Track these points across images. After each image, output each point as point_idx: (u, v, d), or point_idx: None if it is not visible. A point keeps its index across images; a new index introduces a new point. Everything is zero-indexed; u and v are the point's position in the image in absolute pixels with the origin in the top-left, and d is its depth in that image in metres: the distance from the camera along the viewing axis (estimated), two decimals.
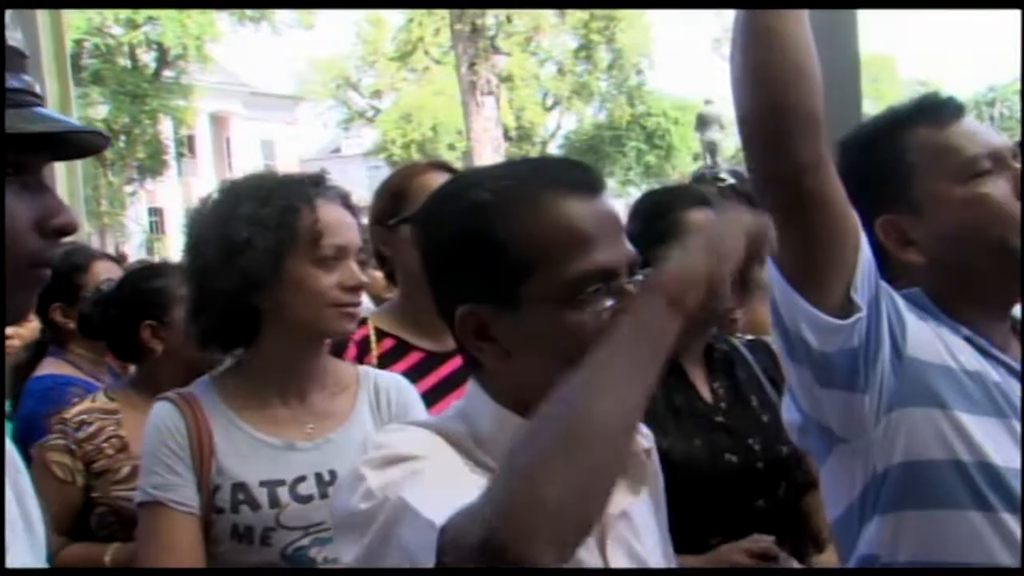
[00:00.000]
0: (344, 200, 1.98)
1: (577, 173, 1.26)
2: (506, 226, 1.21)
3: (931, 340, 1.57)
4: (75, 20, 25.64)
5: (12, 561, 1.06)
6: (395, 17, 36.33)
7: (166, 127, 32.92)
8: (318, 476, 1.89)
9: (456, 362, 2.24)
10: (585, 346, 1.18)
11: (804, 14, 1.47)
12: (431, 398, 2.17)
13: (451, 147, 34.81)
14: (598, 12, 34.49)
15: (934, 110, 1.68)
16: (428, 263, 1.30)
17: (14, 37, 1.06)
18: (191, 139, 39.18)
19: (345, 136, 46.18)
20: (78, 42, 27.05)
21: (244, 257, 1.85)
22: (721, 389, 2.30)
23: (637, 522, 1.32)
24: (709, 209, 2.32)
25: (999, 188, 1.60)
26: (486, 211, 1.22)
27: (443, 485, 1.10)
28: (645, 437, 1.41)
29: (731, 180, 3.63)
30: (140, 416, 2.33)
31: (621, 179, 36.17)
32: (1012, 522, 1.50)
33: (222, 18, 31.74)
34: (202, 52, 31.61)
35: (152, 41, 31.34)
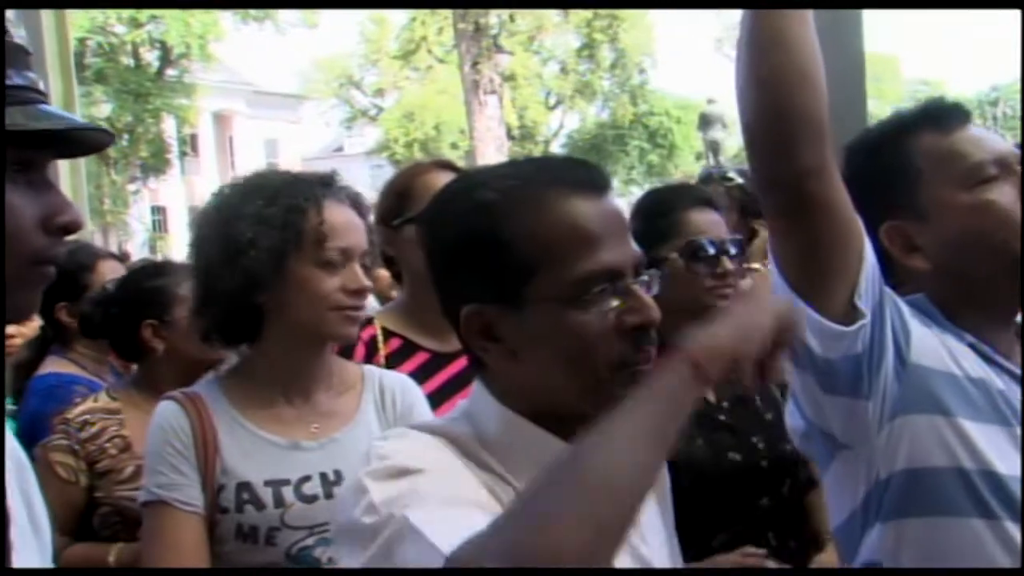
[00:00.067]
0: (354, 201, 1.97)
1: (582, 172, 1.26)
2: (511, 226, 1.20)
3: (935, 347, 1.57)
4: (78, 19, 25.63)
5: (19, 561, 1.06)
6: (398, 16, 36.41)
7: (169, 126, 32.96)
8: (323, 476, 1.89)
9: (462, 362, 2.24)
10: (589, 347, 1.18)
11: (810, 19, 1.46)
12: (437, 399, 2.16)
13: (454, 146, 34.79)
14: (601, 11, 34.49)
15: (940, 116, 1.67)
16: (433, 263, 1.30)
17: (18, 34, 1.06)
18: (194, 138, 39.21)
19: (348, 135, 46.22)
20: (81, 41, 27.04)
21: (247, 256, 1.85)
22: (724, 388, 2.29)
23: (642, 523, 1.32)
24: (710, 209, 2.32)
25: (1005, 195, 1.60)
26: (491, 211, 1.22)
27: (447, 505, 1.09)
28: None
29: (739, 180, 3.60)
30: (142, 415, 2.33)
31: (624, 178, 36.14)
32: (1015, 530, 1.49)
33: (225, 17, 31.78)
34: (205, 51, 31.61)
35: (155, 40, 31.34)
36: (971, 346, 1.59)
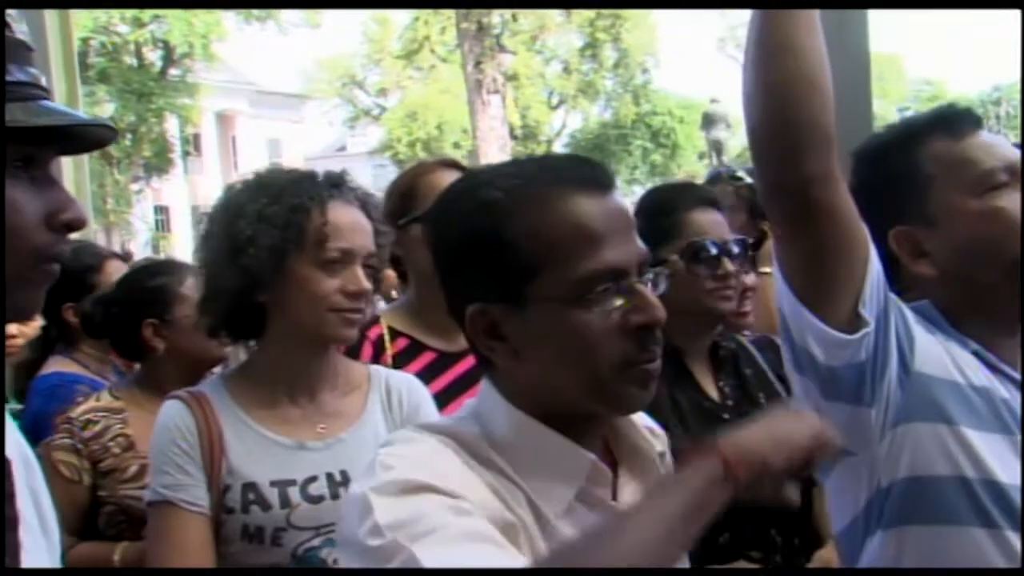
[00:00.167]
0: (363, 203, 1.95)
1: (586, 170, 1.25)
2: (514, 225, 1.20)
3: (939, 354, 1.57)
4: (82, 19, 25.65)
5: (29, 560, 1.05)
6: (401, 16, 36.40)
7: (172, 125, 32.97)
8: (329, 476, 1.88)
9: (468, 362, 2.24)
10: (592, 347, 1.18)
11: (818, 26, 1.46)
12: (444, 398, 2.16)
13: (457, 145, 34.79)
14: (604, 11, 34.47)
15: (951, 122, 1.67)
16: (439, 262, 1.29)
17: (20, 29, 1.05)
18: (197, 137, 39.24)
19: (351, 134, 46.24)
20: (84, 40, 27.07)
21: (246, 254, 1.84)
22: (728, 387, 2.29)
23: None
24: (713, 209, 2.30)
25: (1014, 202, 1.59)
26: (495, 210, 1.21)
27: (457, 542, 1.07)
28: (659, 440, 1.40)
29: (748, 179, 3.57)
30: (145, 414, 2.34)
31: (626, 178, 36.13)
32: (1015, 540, 1.50)
33: (228, 17, 31.79)
34: (208, 51, 31.63)
35: (158, 39, 31.36)
36: (975, 353, 1.59)
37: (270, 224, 1.85)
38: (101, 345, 2.96)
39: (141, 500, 2.06)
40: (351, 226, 1.90)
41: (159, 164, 32.28)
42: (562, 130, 39.66)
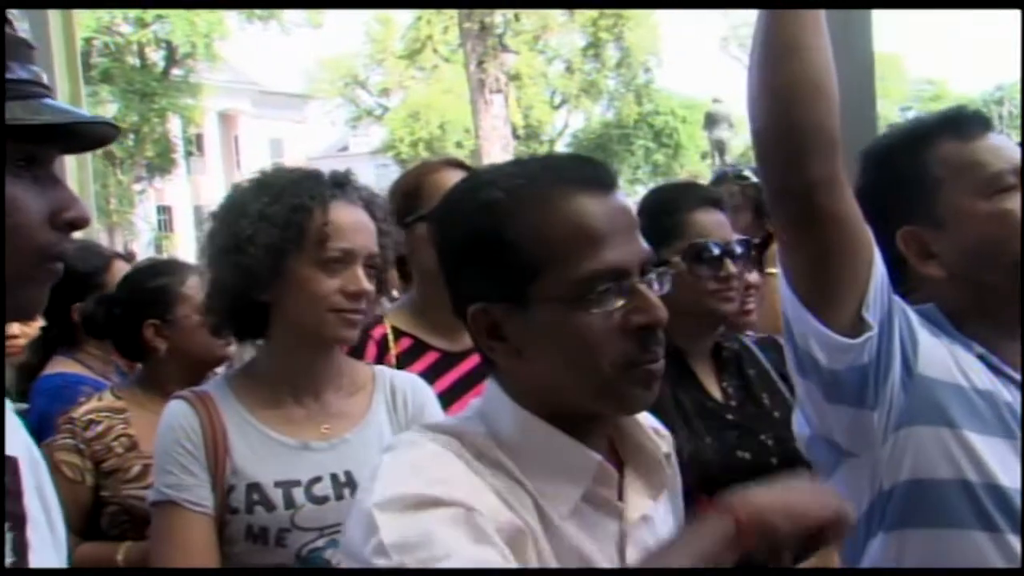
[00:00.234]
0: (367, 203, 1.94)
1: (588, 170, 1.25)
2: (516, 225, 1.20)
3: (943, 357, 1.56)
4: (84, 19, 25.68)
5: (37, 559, 1.05)
6: (404, 16, 36.42)
7: (175, 125, 33.00)
8: (333, 477, 1.88)
9: (472, 362, 2.24)
10: (592, 347, 1.18)
11: (824, 30, 1.46)
12: (448, 398, 2.16)
13: (459, 145, 34.79)
14: (606, 11, 34.46)
15: (960, 124, 1.67)
16: (443, 262, 1.30)
17: (21, 27, 1.04)
18: (200, 137, 39.28)
19: (353, 134, 46.24)
20: (87, 40, 27.10)
21: (246, 253, 1.84)
22: (731, 387, 2.28)
23: (657, 526, 1.32)
24: (716, 209, 2.30)
25: (1022, 204, 1.59)
26: (498, 210, 1.21)
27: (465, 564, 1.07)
28: (665, 440, 1.40)
29: (754, 179, 3.56)
30: (147, 414, 2.34)
31: (629, 178, 36.13)
32: (1016, 543, 1.50)
33: (231, 17, 31.81)
34: (211, 50, 31.66)
35: (161, 40, 31.40)
36: (980, 356, 1.59)
37: (270, 223, 1.84)
38: (104, 346, 2.96)
39: (144, 500, 2.06)
40: (353, 226, 1.89)
41: (162, 164, 32.31)
42: (564, 130, 39.72)
